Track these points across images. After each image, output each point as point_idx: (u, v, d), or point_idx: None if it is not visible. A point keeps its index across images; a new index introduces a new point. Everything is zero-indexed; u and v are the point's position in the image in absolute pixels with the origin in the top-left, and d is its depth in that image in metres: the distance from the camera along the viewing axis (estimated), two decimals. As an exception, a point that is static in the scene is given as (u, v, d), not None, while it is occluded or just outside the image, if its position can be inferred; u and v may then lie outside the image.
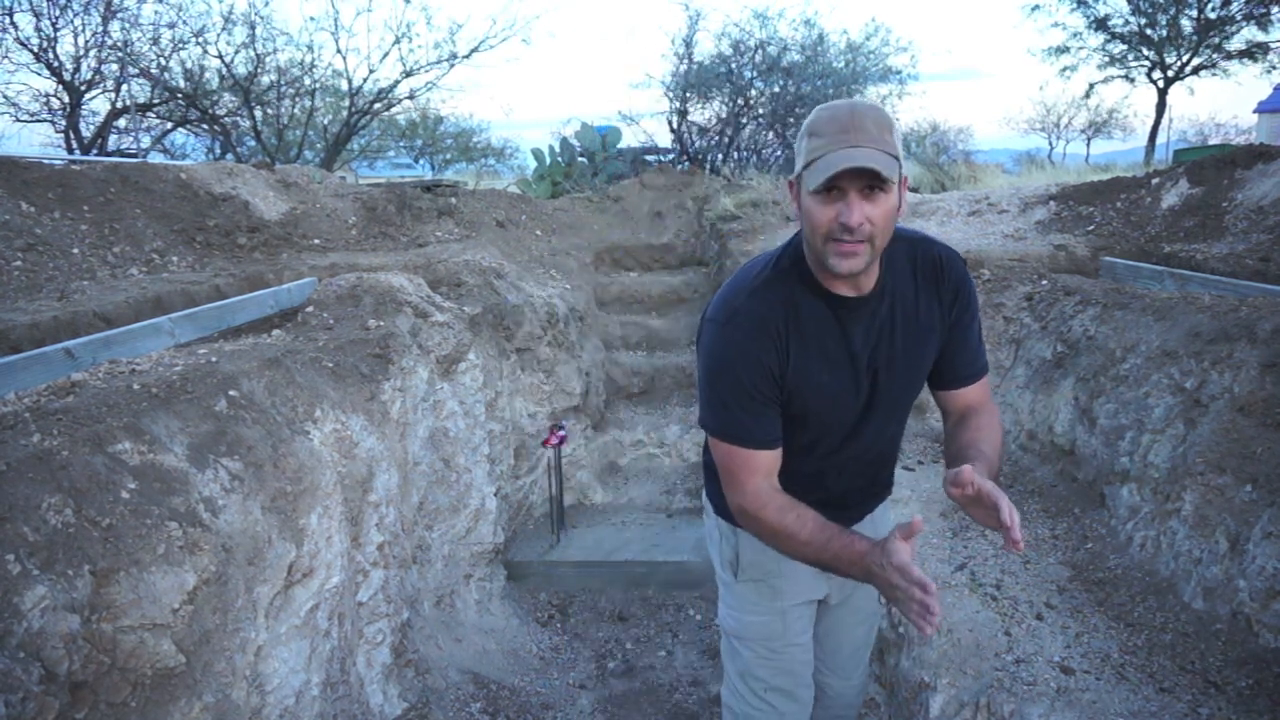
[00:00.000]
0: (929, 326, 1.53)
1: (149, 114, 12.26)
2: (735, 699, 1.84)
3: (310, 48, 16.34)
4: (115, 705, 1.54)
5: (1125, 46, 17.26)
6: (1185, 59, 16.57)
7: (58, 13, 10.61)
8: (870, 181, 1.28)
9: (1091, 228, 4.73)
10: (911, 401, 1.64)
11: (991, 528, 1.30)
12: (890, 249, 1.42)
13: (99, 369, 2.29)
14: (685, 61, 10.67)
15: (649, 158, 10.13)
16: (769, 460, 1.48)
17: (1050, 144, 26.54)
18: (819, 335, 1.46)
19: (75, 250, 3.87)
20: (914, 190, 8.92)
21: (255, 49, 12.10)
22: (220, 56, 12.01)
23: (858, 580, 1.38)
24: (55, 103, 11.42)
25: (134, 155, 10.88)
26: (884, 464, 1.74)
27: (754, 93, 10.67)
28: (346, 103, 12.91)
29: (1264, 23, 15.34)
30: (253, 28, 11.93)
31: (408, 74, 12.69)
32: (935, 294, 1.53)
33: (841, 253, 1.32)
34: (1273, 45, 15.87)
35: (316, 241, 5.06)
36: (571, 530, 4.26)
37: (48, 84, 11.46)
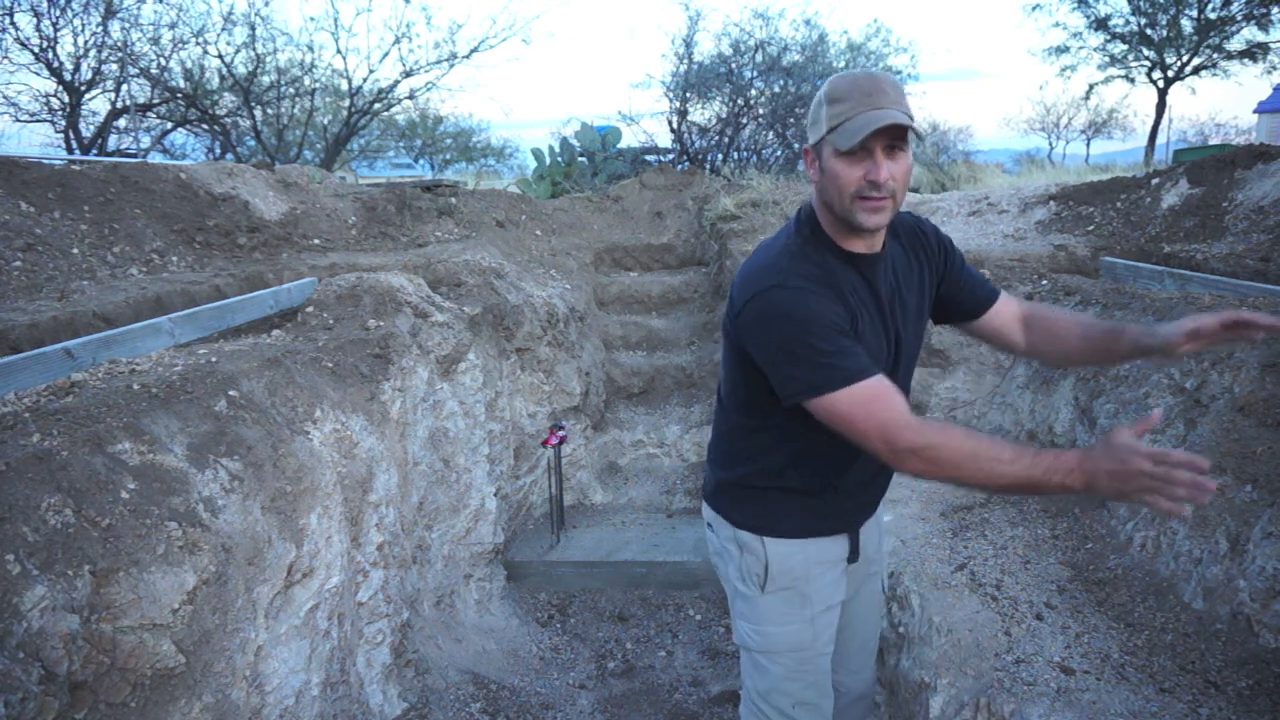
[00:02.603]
0: (920, 284, 1.64)
1: (149, 114, 12.28)
2: (758, 718, 1.79)
3: (310, 48, 16.37)
4: (115, 705, 1.54)
5: (1125, 46, 17.30)
6: (1185, 59, 16.60)
7: (58, 13, 10.63)
8: (893, 140, 1.37)
9: (1091, 228, 4.72)
10: (916, 360, 1.71)
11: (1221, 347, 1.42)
12: None
13: (99, 369, 2.29)
14: (685, 61, 10.66)
15: (649, 158, 10.10)
16: (895, 389, 1.39)
17: (1050, 144, 26.60)
18: (854, 290, 1.51)
19: (75, 250, 3.87)
20: (914, 190, 8.90)
21: (255, 49, 12.14)
22: (220, 56, 12.05)
23: (1071, 492, 1.23)
24: (55, 103, 11.45)
25: (134, 155, 10.89)
26: None
27: (754, 93, 10.66)
28: (346, 103, 12.94)
29: (1264, 23, 15.38)
30: (253, 28, 11.97)
31: (408, 74, 12.73)
32: (920, 254, 1.64)
33: (869, 208, 1.40)
34: (1273, 45, 15.90)
35: (316, 241, 5.06)
36: (571, 530, 4.26)
37: (48, 84, 11.53)
